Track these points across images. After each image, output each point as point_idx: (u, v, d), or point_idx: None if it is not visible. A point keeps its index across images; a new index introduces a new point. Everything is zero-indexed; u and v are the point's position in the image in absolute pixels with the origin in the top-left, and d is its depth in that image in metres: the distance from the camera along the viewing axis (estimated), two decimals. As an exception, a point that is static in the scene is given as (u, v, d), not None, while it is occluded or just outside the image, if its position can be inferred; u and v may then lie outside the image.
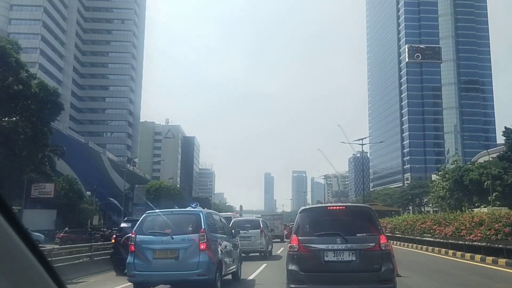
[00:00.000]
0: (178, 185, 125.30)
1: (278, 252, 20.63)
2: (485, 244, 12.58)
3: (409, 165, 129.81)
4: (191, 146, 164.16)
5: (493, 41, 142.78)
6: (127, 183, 62.21)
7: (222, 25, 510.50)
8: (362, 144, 45.60)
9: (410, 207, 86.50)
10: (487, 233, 12.38)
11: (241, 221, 19.07)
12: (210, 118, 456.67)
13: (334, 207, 8.27)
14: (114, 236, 14.33)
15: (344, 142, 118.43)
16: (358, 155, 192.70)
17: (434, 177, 60.18)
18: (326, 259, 6.96)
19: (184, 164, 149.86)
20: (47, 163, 33.31)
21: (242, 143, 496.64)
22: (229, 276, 10.40)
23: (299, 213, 7.88)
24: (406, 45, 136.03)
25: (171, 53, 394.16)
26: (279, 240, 30.47)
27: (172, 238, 8.41)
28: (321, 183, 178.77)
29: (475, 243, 13.24)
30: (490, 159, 49.21)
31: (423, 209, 79.95)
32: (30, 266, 1.28)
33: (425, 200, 79.68)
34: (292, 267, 7.15)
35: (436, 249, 17.97)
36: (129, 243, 8.88)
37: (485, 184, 42.42)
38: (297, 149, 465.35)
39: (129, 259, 8.58)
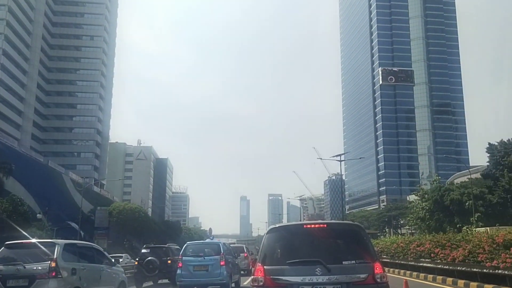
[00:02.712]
0: (150, 208, 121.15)
1: (245, 283, 17.18)
2: None
3: (384, 187, 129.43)
4: (164, 168, 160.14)
5: (464, 65, 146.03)
6: (89, 205, 58.27)
7: (198, 47, 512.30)
8: (340, 160, 43.45)
9: (387, 229, 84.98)
10: None
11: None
12: (184, 140, 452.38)
13: (313, 225, 5.62)
14: (138, 259, 18.36)
15: (321, 159, 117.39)
16: (334, 177, 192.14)
17: (412, 197, 58.54)
18: None
19: (156, 186, 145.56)
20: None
21: (217, 166, 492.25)
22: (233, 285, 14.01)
23: (266, 233, 5.73)
24: (380, 68, 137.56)
25: (145, 73, 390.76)
26: (244, 272, 21.50)
27: (204, 258, 13.87)
28: (297, 206, 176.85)
29: (501, 271, 10.22)
30: (468, 179, 47.87)
31: (399, 231, 78.50)
32: None
33: (402, 221, 78.24)
34: None
35: (439, 277, 14.67)
36: (178, 261, 14.33)
37: (467, 204, 40.86)
38: (273, 172, 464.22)
39: (178, 271, 13.83)
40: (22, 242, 10.12)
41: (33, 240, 10.62)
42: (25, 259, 9.12)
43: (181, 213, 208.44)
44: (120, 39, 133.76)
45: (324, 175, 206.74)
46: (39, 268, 8.94)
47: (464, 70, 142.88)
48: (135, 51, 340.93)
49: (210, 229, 34.60)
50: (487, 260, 10.49)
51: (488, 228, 21.61)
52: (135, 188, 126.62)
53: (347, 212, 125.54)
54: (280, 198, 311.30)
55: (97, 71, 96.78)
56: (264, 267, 5.26)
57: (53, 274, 8.88)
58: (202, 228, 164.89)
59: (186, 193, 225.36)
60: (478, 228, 23.06)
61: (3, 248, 9.61)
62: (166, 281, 17.82)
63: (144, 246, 19.92)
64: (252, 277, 5.44)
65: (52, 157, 77.43)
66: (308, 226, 5.63)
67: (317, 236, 5.51)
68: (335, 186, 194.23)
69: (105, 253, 12.14)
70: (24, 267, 8.94)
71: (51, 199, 50.30)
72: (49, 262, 8.97)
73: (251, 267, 16.80)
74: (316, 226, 5.58)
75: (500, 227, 20.56)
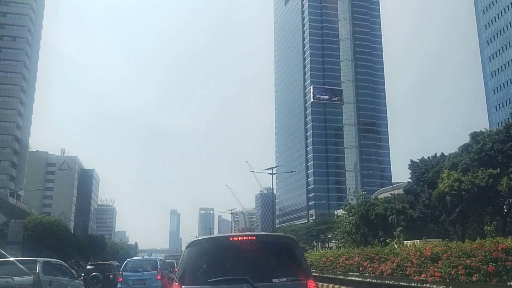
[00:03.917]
0: (72, 222, 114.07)
1: None
2: (445, 287, 9.45)
3: (313, 202, 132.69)
4: (89, 180, 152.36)
5: (388, 87, 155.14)
6: (3, 218, 53.62)
7: (131, 58, 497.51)
8: (272, 174, 43.71)
9: (315, 243, 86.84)
10: (452, 272, 9.52)
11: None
12: (113, 151, 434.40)
13: (240, 238, 5.01)
14: (83, 274, 19.66)
15: (253, 171, 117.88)
16: (265, 191, 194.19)
17: (340, 212, 60.32)
18: None
19: (80, 198, 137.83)
20: None
21: (147, 179, 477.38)
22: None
23: (187, 248, 5.10)
24: (311, 86, 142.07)
25: (73, 80, 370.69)
26: None
27: (143, 273, 15.76)
28: (229, 220, 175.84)
29: (429, 285, 10.22)
30: (391, 194, 50.25)
31: (327, 245, 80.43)
32: None
33: (330, 235, 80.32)
34: None
35: None
36: (118, 276, 16.51)
37: (390, 218, 42.66)
38: (205, 186, 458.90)
39: (119, 285, 15.65)
40: (8, 260, 12.57)
41: (19, 258, 13.25)
42: (13, 273, 11.11)
43: (107, 227, 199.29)
44: (45, 42, 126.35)
45: (256, 189, 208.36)
46: (25, 279, 11.01)
47: (388, 91, 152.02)
48: (62, 56, 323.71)
49: (136, 244, 34.91)
50: (415, 274, 10.46)
51: (417, 241, 22.33)
52: (57, 200, 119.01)
53: (277, 226, 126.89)
54: (211, 212, 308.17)
55: (18, 74, 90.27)
56: (182, 287, 4.61)
57: (36, 285, 10.99)
58: (128, 243, 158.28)
59: (113, 206, 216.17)
60: (406, 241, 23.68)
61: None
62: None
63: (89, 263, 23.80)
64: None
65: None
66: (235, 238, 5.00)
67: (244, 250, 4.90)
68: (267, 200, 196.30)
69: (70, 269, 14.68)
70: (13, 279, 11.01)
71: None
72: (33, 275, 11.08)
73: None
74: (244, 238, 4.97)
75: (427, 240, 21.34)
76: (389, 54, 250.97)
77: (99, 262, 24.05)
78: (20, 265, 11.38)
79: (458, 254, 9.52)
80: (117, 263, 23.23)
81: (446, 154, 42.19)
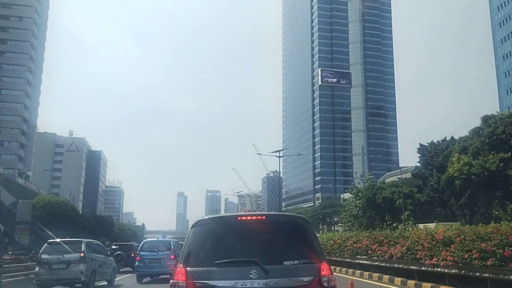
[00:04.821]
0: (80, 202, 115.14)
1: None
2: (458, 271, 9.03)
3: (320, 185, 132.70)
4: (97, 161, 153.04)
5: (398, 69, 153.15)
6: (12, 198, 54.12)
7: (138, 36, 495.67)
8: (279, 156, 43.44)
9: (321, 226, 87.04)
10: (465, 256, 8.95)
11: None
12: (121, 132, 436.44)
13: (249, 218, 4.69)
14: (109, 253, 20.73)
15: (260, 154, 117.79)
16: (272, 174, 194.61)
17: (347, 195, 60.17)
18: None
19: (88, 180, 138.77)
20: None
21: (155, 161, 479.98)
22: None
23: (192, 227, 4.79)
24: (320, 69, 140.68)
25: (79, 61, 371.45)
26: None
27: (158, 253, 17.35)
28: (235, 202, 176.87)
29: (440, 269, 9.86)
30: (399, 178, 49.88)
31: (333, 228, 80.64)
32: None
33: (336, 219, 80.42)
34: None
35: (375, 275, 14.35)
36: (137, 255, 17.72)
37: (397, 202, 42.45)
38: (211, 168, 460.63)
39: (136, 263, 17.27)
40: (56, 240, 15.29)
41: (66, 239, 15.96)
42: (62, 251, 13.93)
43: (115, 208, 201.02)
44: (52, 23, 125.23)
45: (263, 172, 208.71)
46: (74, 256, 13.77)
47: (397, 74, 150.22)
48: (69, 36, 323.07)
49: (143, 225, 37.09)
50: (426, 258, 10.22)
51: (430, 224, 22.05)
52: (65, 181, 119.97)
53: (283, 209, 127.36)
54: (218, 194, 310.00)
55: (25, 54, 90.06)
56: (187, 268, 4.36)
57: (82, 260, 13.70)
58: (136, 224, 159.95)
59: (120, 188, 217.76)
60: (420, 225, 23.22)
61: (46, 244, 14.64)
62: (128, 269, 22.82)
63: (114, 243, 26.65)
64: (170, 281, 4.46)
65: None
66: (244, 218, 4.70)
67: (254, 230, 4.62)
68: (273, 183, 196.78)
69: (104, 248, 17.72)
70: (63, 256, 13.82)
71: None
72: (79, 253, 13.86)
73: None
74: (253, 218, 4.68)
75: (443, 223, 21.04)
76: (399, 37, 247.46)
77: (122, 243, 27.87)
78: (65, 246, 14.18)
79: (472, 238, 9.24)
80: (137, 244, 25.67)
81: (456, 137, 41.65)
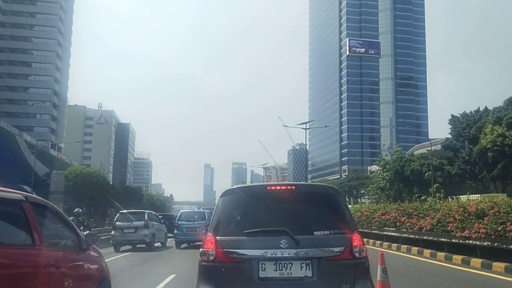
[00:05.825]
0: (110, 174, 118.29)
1: None
2: (490, 243, 8.84)
3: (346, 157, 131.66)
4: (126, 133, 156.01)
5: (429, 39, 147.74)
6: (45, 169, 55.87)
7: (167, 16, 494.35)
8: (306, 128, 43.05)
9: (347, 199, 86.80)
10: (498, 229, 8.65)
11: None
12: (149, 105, 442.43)
13: (279, 187, 4.59)
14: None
15: (286, 126, 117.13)
16: (297, 147, 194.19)
17: (374, 168, 59.49)
18: (262, 275, 4.17)
19: (117, 152, 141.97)
20: None
21: (182, 133, 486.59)
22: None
23: (221, 196, 4.71)
24: (347, 39, 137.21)
25: (106, 33, 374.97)
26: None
27: (194, 223, 19.21)
28: (261, 174, 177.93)
29: (472, 241, 9.61)
30: (428, 150, 48.78)
31: (359, 201, 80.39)
32: None
33: (362, 191, 79.96)
34: None
35: (404, 246, 14.19)
36: (175, 224, 19.95)
37: (426, 175, 41.68)
38: (237, 140, 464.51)
39: (175, 231, 19.45)
40: (126, 211, 19.88)
41: (131, 210, 21.69)
42: (129, 219, 18.14)
43: (144, 179, 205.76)
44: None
45: (288, 145, 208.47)
46: (140, 223, 17.99)
47: (428, 44, 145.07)
48: (95, 9, 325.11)
49: (171, 195, 38.67)
50: (458, 230, 9.95)
51: (462, 196, 21.58)
52: (95, 152, 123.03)
53: (309, 181, 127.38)
54: (244, 166, 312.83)
55: (54, 28, 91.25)
56: (216, 237, 4.35)
57: (145, 227, 17.93)
58: (164, 195, 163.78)
59: (149, 159, 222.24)
60: (461, 196, 22.65)
61: (118, 214, 19.48)
62: (171, 234, 23.68)
63: (159, 213, 27.65)
64: (201, 249, 4.45)
65: (5, 118, 73.32)
66: (273, 188, 4.61)
67: (283, 200, 4.57)
68: (299, 155, 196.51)
69: (159, 216, 22.46)
70: (132, 223, 18.07)
71: (3, 161, 47.59)
72: (143, 220, 18.02)
73: None
74: (283, 188, 4.59)
75: (471, 195, 20.58)
76: (430, 4, 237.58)
77: (165, 213, 31.21)
78: (138, 214, 18.98)
79: (506, 210, 8.89)
80: (176, 214, 28.02)
81: (490, 108, 40.14)
